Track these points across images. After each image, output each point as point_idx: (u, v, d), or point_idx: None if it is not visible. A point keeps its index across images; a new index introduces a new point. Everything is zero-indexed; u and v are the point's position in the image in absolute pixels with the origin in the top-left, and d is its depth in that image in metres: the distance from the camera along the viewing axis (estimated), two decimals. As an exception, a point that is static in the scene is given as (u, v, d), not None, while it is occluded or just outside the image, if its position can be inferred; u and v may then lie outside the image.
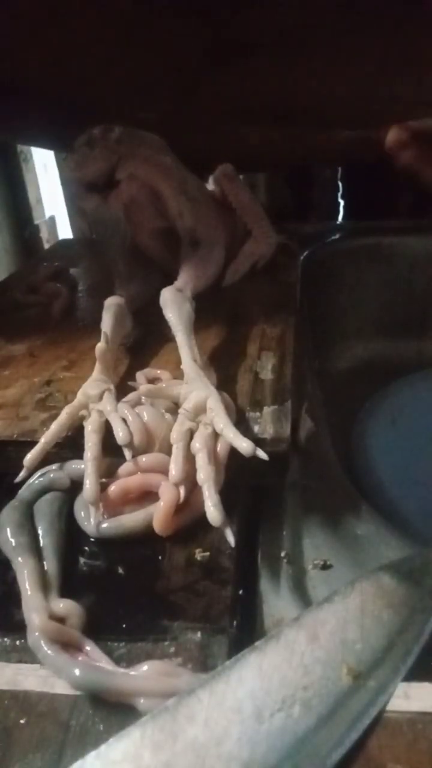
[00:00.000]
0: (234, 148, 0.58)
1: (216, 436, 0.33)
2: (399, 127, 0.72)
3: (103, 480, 0.32)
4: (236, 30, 0.37)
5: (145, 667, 0.24)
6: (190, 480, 0.31)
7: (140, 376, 0.40)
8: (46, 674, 0.25)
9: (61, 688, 0.24)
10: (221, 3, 0.35)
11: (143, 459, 0.33)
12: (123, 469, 0.33)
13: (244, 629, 0.28)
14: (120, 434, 0.33)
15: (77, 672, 0.24)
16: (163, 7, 0.36)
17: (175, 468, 0.31)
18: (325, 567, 0.33)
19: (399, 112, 0.56)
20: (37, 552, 0.30)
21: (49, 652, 0.25)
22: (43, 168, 1.22)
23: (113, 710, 0.24)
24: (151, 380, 0.40)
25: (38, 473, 0.34)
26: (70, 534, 0.32)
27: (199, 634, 0.27)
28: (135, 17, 0.37)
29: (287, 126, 0.61)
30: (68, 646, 0.25)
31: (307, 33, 0.37)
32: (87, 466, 0.32)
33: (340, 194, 1.09)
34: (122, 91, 0.48)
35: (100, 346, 0.38)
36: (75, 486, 0.33)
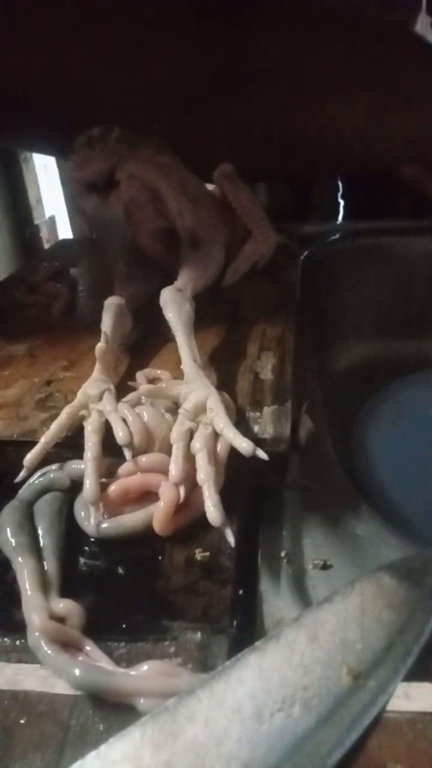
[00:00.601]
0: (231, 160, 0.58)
1: (216, 436, 0.33)
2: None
3: (103, 480, 0.32)
4: (245, 55, 0.37)
5: (145, 667, 0.24)
6: (190, 480, 0.31)
7: (140, 376, 0.40)
8: (46, 674, 0.25)
9: (61, 688, 0.24)
10: (232, 30, 0.36)
11: (143, 459, 0.33)
12: (123, 469, 0.33)
13: (244, 629, 0.28)
14: (120, 434, 0.33)
15: (77, 672, 0.24)
16: (172, 27, 0.36)
17: (175, 468, 0.31)
18: (325, 567, 0.33)
19: (402, 152, 0.55)
20: (37, 552, 0.30)
21: (49, 652, 0.25)
22: (43, 168, 1.22)
23: (113, 710, 0.24)
24: (151, 380, 0.40)
25: (38, 473, 0.34)
26: (70, 534, 0.32)
27: (199, 634, 0.27)
28: (143, 36, 0.37)
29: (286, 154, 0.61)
30: (68, 646, 0.25)
31: (310, 66, 0.38)
32: (87, 466, 0.32)
33: (340, 194, 1.09)
34: (125, 105, 0.48)
35: (100, 346, 0.38)
36: (75, 486, 0.33)
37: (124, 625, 0.27)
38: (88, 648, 0.26)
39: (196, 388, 0.35)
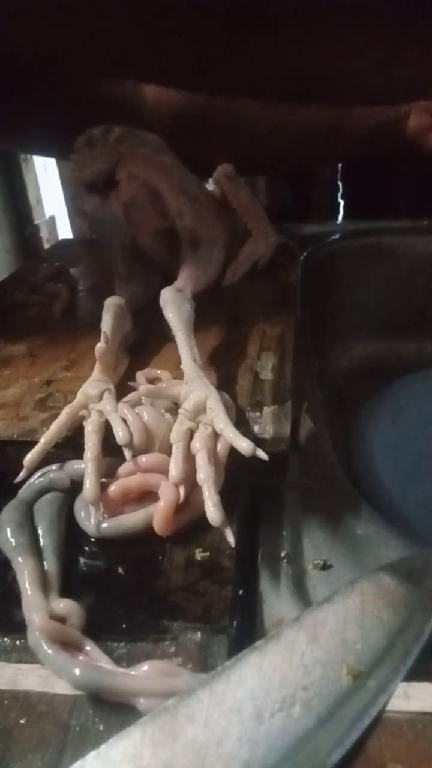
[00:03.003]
0: (242, 141, 0.57)
1: (216, 436, 0.33)
2: (420, 111, 0.70)
3: (103, 480, 0.32)
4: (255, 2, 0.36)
5: (145, 667, 0.24)
6: (190, 480, 0.31)
7: (140, 376, 0.40)
8: (46, 674, 0.25)
9: (61, 688, 0.24)
10: None
11: (143, 459, 0.33)
12: (123, 469, 0.33)
13: (244, 629, 0.28)
14: (120, 434, 0.33)
15: (77, 672, 0.24)
16: None
17: (175, 468, 0.31)
18: (325, 567, 0.33)
19: (422, 91, 0.54)
20: (37, 552, 0.30)
21: (49, 651, 0.25)
22: (43, 168, 1.22)
23: (113, 710, 0.24)
24: (151, 380, 0.40)
25: (38, 473, 0.34)
26: (70, 534, 0.32)
27: (199, 634, 0.27)
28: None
29: (305, 102, 0.59)
30: (68, 646, 0.25)
31: (327, 6, 0.36)
32: (87, 466, 0.32)
33: (340, 194, 1.09)
34: (135, 65, 0.47)
35: (100, 346, 0.38)
36: (75, 486, 0.33)
37: (124, 625, 0.27)
38: (88, 648, 0.26)
39: (196, 388, 0.35)
